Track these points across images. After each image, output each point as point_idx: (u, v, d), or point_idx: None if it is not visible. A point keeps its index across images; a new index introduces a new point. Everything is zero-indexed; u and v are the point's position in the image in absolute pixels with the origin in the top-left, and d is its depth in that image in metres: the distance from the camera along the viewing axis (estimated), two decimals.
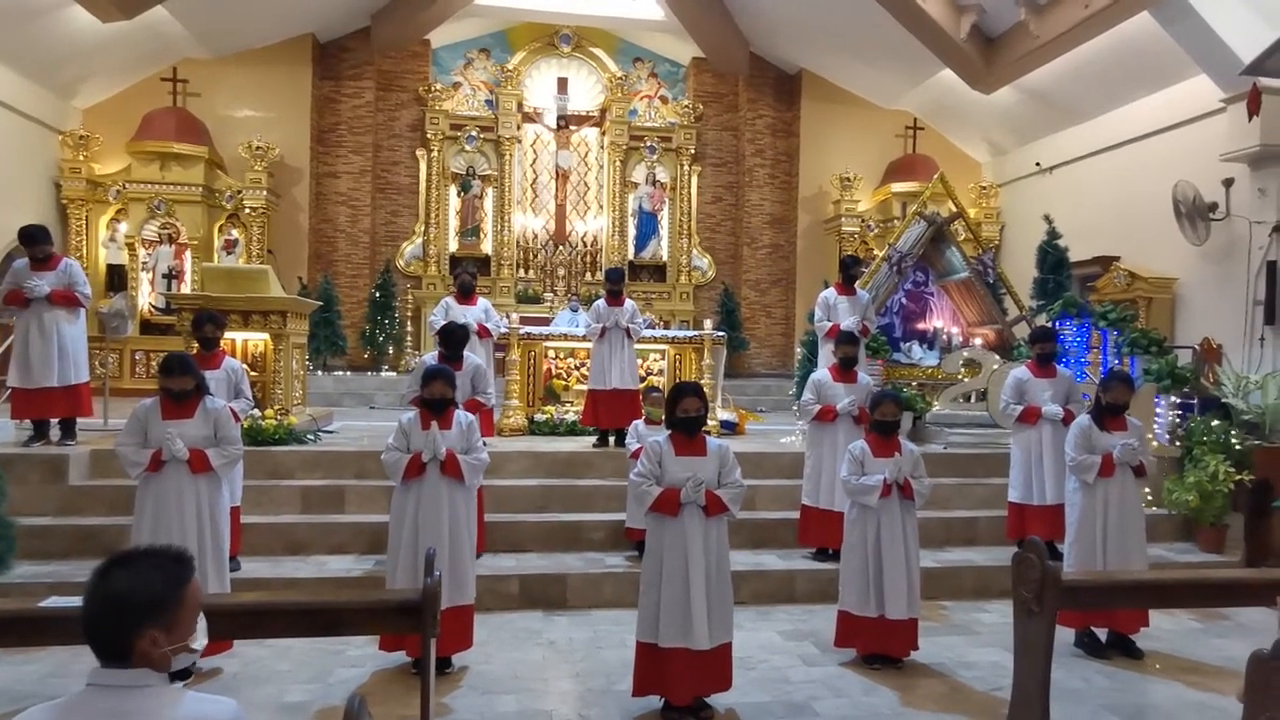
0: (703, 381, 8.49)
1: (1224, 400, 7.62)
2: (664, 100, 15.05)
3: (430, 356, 6.10)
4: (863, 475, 4.74)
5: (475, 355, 6.54)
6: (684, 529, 3.95)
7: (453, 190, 14.26)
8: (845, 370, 6.30)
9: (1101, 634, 5.04)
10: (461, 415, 4.58)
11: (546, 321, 11.09)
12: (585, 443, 7.70)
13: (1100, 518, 4.97)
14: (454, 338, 5.87)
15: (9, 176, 10.77)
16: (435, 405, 4.47)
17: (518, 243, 14.41)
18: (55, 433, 6.66)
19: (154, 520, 4.26)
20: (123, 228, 12.03)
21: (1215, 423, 7.10)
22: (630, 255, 14.59)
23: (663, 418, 6.12)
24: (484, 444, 4.65)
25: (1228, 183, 9.00)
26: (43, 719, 1.57)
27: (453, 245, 14.25)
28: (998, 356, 8.44)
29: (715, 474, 4.04)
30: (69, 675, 4.29)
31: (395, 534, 4.43)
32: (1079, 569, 4.89)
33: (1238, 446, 6.95)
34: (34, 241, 6.39)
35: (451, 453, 4.37)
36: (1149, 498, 7.01)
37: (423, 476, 4.36)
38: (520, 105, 14.27)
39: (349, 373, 12.72)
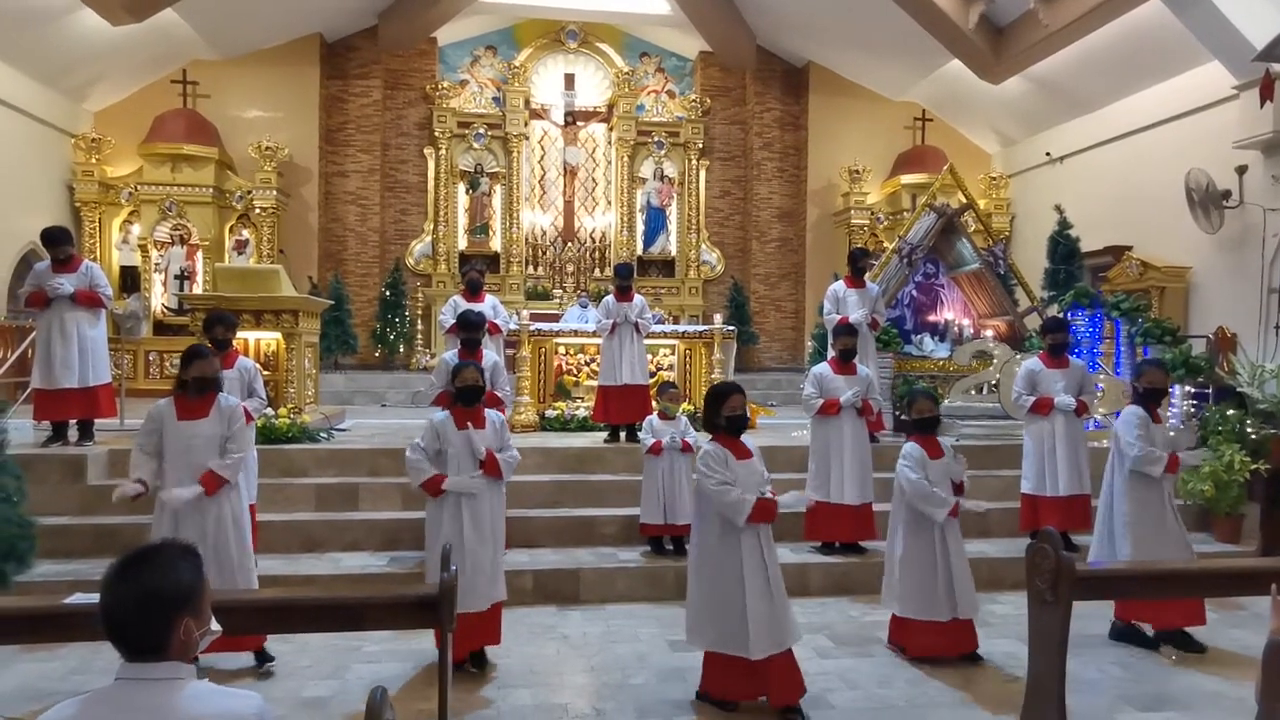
0: (713, 376, 8.53)
1: (1239, 390, 7.57)
2: (671, 95, 15.04)
3: (450, 354, 6.13)
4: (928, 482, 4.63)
5: (492, 352, 6.59)
6: (757, 536, 3.89)
7: (461, 188, 14.30)
8: (845, 362, 6.28)
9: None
10: (494, 415, 4.57)
11: (556, 318, 11.13)
12: (596, 438, 7.72)
13: (1167, 509, 4.86)
14: (472, 323, 5.92)
15: (23, 180, 10.87)
16: (469, 395, 4.42)
17: (526, 239, 14.44)
18: (73, 433, 6.72)
19: (174, 521, 4.26)
20: (135, 230, 12.12)
21: (1230, 412, 7.06)
22: (639, 250, 14.61)
23: (676, 413, 6.18)
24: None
25: (1241, 170, 8.93)
26: (71, 713, 1.60)
27: (462, 243, 14.30)
28: (1009, 348, 8.42)
29: (763, 476, 4.02)
30: (91, 672, 4.35)
31: (434, 532, 4.38)
32: (1142, 560, 4.72)
33: (1253, 436, 6.90)
34: (55, 243, 6.46)
35: (491, 452, 4.37)
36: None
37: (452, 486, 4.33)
38: (527, 102, 14.29)
39: (360, 371, 12.79)
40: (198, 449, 4.27)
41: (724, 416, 4.00)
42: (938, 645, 4.64)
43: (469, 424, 4.38)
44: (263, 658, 4.45)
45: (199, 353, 4.39)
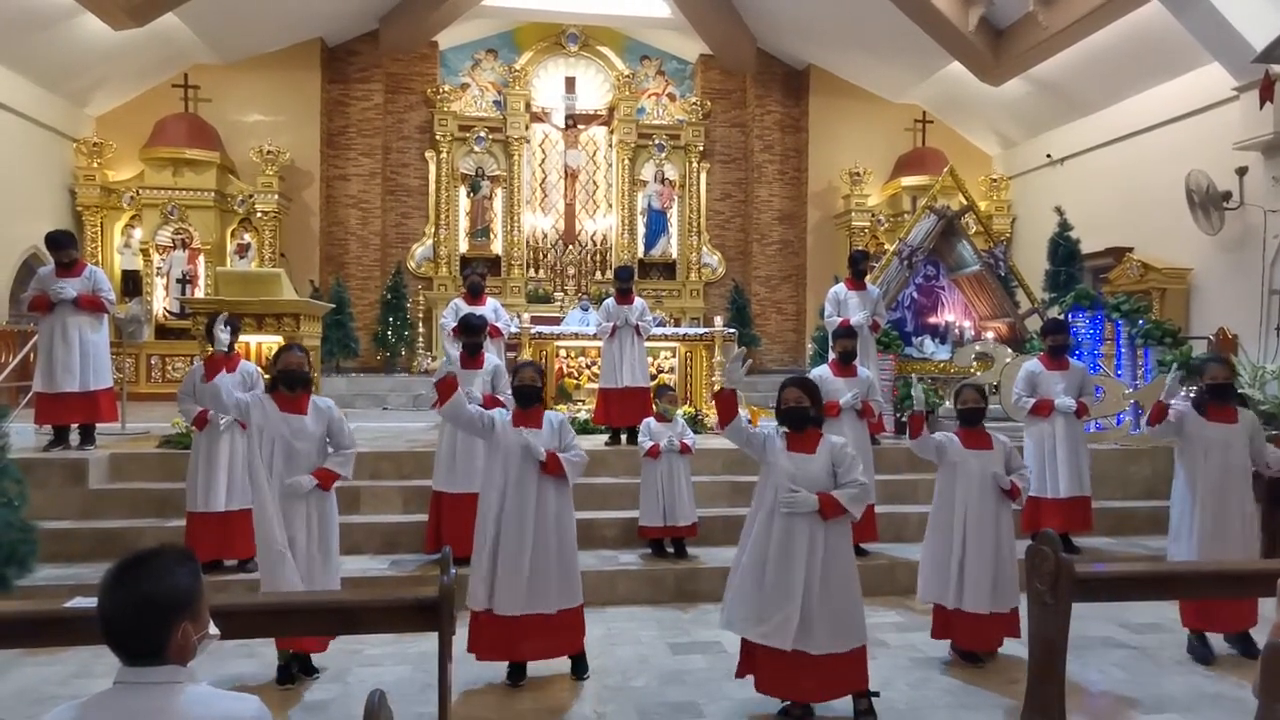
0: (714, 379, 8.54)
1: (1240, 391, 7.56)
2: (672, 98, 15.06)
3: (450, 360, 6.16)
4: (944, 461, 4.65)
5: (493, 356, 6.59)
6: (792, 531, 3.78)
7: (462, 191, 14.32)
8: (844, 365, 6.27)
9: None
10: (552, 415, 4.47)
11: (557, 321, 11.14)
12: (597, 441, 7.72)
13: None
14: (474, 326, 5.94)
15: (25, 185, 10.90)
16: (527, 395, 4.37)
17: (527, 242, 14.46)
18: (74, 438, 6.74)
19: (283, 518, 4.13)
20: (137, 234, 12.16)
21: None
22: (640, 253, 14.62)
23: (674, 415, 6.19)
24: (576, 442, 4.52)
25: (1241, 171, 8.94)
26: (70, 716, 1.61)
27: (463, 246, 14.32)
28: (1010, 350, 8.42)
29: (824, 473, 3.77)
30: (92, 676, 4.35)
31: (481, 536, 4.28)
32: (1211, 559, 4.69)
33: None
34: (60, 247, 6.49)
35: (552, 452, 4.28)
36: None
37: (507, 472, 4.26)
38: (528, 105, 14.32)
39: (361, 374, 12.81)
40: (301, 444, 4.19)
41: (780, 409, 3.92)
42: (958, 636, 4.66)
43: (523, 426, 4.30)
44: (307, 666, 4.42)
45: (286, 347, 4.39)
